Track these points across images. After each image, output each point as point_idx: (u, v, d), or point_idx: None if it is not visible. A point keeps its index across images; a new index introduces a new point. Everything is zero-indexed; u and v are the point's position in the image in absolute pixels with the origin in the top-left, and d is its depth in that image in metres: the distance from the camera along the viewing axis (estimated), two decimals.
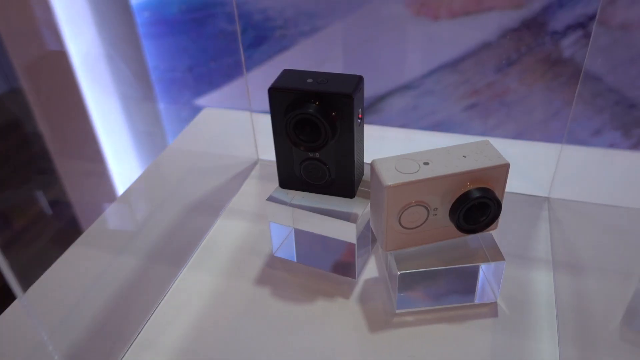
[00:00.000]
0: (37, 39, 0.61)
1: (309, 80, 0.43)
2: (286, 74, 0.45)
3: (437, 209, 0.42)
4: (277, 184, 0.48)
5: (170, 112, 0.81)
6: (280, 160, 0.47)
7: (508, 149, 0.46)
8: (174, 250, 0.52)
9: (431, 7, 0.64)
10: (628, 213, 0.51)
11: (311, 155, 0.45)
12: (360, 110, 0.44)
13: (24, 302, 0.33)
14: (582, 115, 0.57)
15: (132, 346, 0.43)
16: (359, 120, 0.44)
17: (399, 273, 0.43)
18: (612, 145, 0.62)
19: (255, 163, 0.64)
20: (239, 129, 0.68)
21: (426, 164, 0.42)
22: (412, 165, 0.42)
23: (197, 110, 0.75)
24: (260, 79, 0.66)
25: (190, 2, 0.74)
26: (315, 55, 0.70)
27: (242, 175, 0.62)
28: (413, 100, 0.69)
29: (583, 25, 0.59)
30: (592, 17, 0.58)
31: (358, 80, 0.43)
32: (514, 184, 0.55)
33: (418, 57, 0.67)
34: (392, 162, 0.42)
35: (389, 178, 0.40)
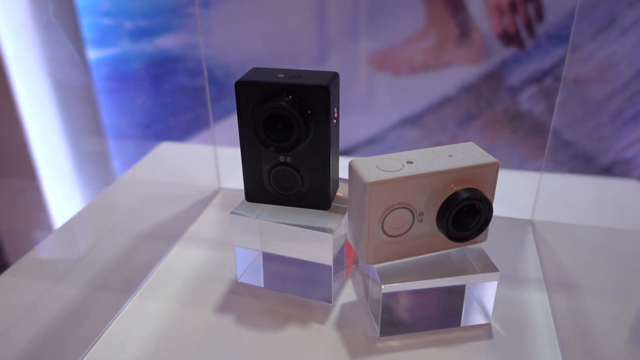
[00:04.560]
0: None
1: (280, 75, 0.40)
2: (255, 70, 0.41)
3: (422, 213, 0.38)
4: None
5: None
6: (247, 169, 0.42)
7: None
8: (121, 278, 0.45)
9: (392, 63, 0.65)
10: (615, 234, 0.49)
11: (282, 159, 0.41)
12: (335, 109, 0.40)
13: None
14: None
15: None
16: (335, 121, 0.41)
17: (383, 287, 0.38)
18: None
19: (216, 192, 0.59)
20: (198, 159, 0.64)
21: (410, 162, 0.38)
22: (394, 164, 0.38)
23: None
24: (222, 133, 0.63)
25: (150, 57, 0.73)
26: None
27: (202, 204, 0.56)
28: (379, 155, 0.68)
29: (538, 79, 0.61)
30: (547, 72, 0.60)
31: (333, 76, 0.40)
32: (496, 208, 0.52)
33: (380, 112, 0.67)
34: (372, 161, 0.38)
35: (370, 175, 0.36)
